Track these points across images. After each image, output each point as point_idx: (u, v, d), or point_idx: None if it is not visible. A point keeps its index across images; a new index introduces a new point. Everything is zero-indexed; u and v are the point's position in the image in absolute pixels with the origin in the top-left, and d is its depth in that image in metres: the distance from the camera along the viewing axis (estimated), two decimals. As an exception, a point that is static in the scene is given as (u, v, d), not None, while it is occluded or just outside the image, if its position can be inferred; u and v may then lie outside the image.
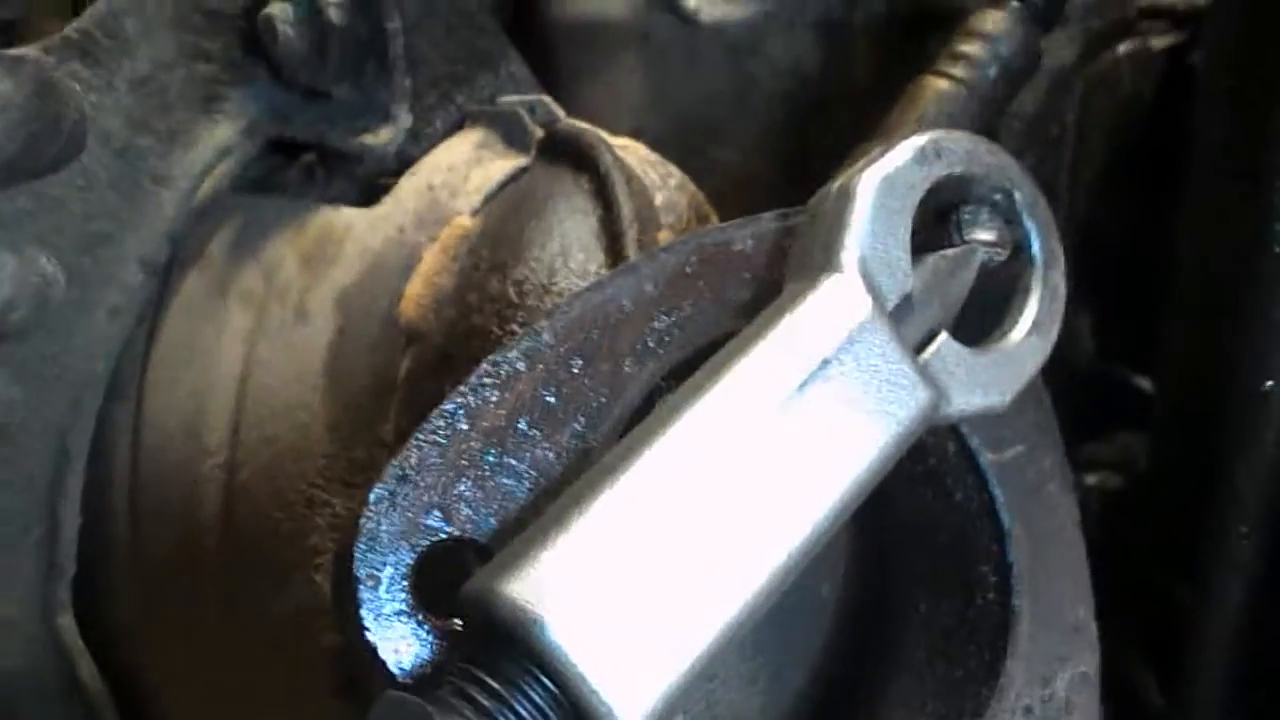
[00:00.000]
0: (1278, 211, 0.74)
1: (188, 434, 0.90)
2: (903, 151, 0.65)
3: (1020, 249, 0.69)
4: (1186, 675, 0.92)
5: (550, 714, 0.53)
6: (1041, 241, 0.69)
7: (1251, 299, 0.77)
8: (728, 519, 0.57)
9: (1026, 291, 0.69)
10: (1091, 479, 1.22)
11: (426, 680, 0.55)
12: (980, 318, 0.69)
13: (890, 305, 0.63)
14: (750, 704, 0.80)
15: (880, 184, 0.64)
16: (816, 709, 0.82)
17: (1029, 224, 0.68)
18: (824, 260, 0.63)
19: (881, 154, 0.65)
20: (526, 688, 0.53)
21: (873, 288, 0.62)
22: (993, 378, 0.66)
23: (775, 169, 1.21)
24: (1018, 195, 0.68)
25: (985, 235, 0.68)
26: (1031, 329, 0.68)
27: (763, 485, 0.58)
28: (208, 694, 0.93)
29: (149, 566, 0.94)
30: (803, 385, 0.59)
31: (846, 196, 0.63)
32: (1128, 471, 1.19)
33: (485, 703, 0.52)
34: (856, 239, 0.62)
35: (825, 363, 0.60)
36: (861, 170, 0.64)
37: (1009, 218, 0.68)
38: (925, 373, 0.63)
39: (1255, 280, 0.77)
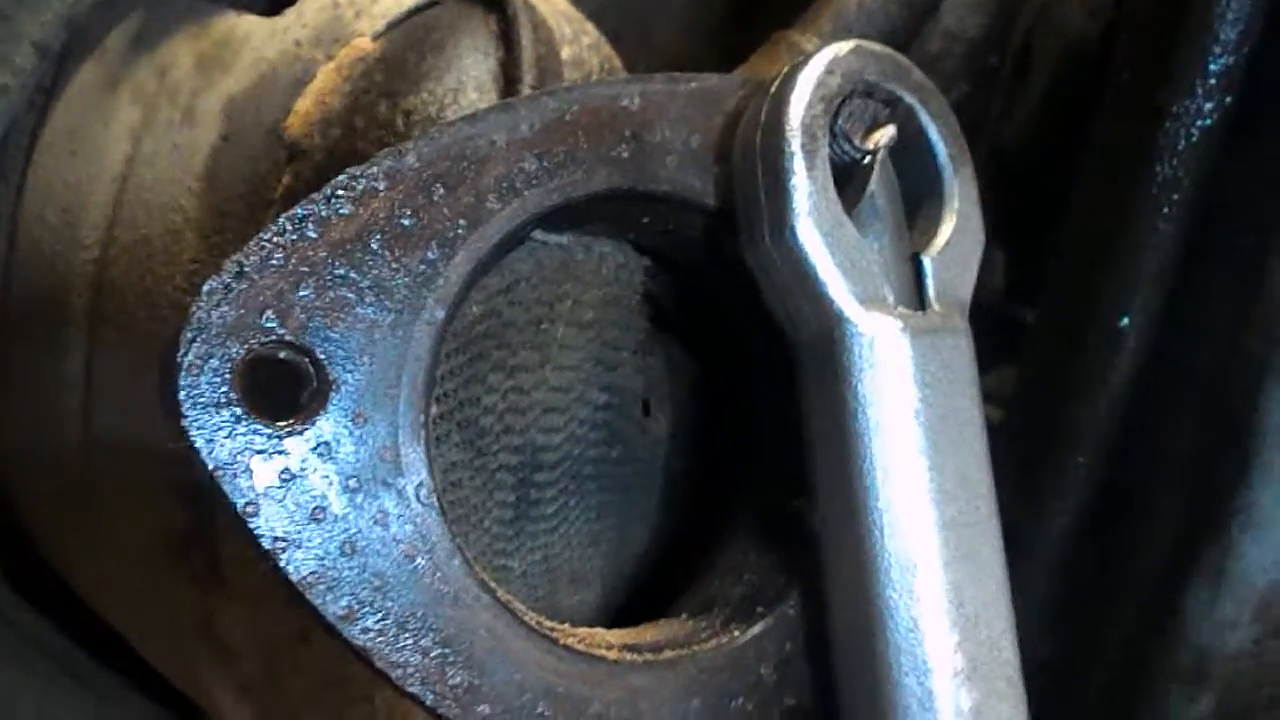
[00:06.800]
0: (1160, 149, 0.75)
1: (65, 225, 0.89)
2: (808, 195, 0.66)
3: (895, 106, 0.70)
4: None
5: None
6: (918, 96, 0.70)
7: (1123, 235, 0.79)
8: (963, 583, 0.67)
9: (929, 144, 0.71)
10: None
11: None
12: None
13: (893, 297, 0.67)
14: (590, 565, 0.82)
15: (812, 226, 0.65)
16: (653, 572, 0.85)
17: (902, 92, 0.70)
18: (827, 313, 0.66)
19: (795, 193, 0.66)
20: None
21: (877, 299, 0.66)
22: (969, 250, 0.71)
23: (714, 55, 1.19)
24: (877, 76, 0.69)
25: (874, 127, 0.69)
26: (949, 163, 0.71)
27: (960, 524, 0.68)
28: (58, 486, 0.93)
29: (15, 351, 0.93)
30: (924, 449, 0.66)
31: (797, 263, 0.66)
32: (1004, 404, 1.22)
33: None
34: (844, 289, 0.66)
35: (916, 412, 0.66)
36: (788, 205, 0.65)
37: (885, 98, 0.69)
38: (949, 318, 0.68)
39: (1130, 216, 0.78)
